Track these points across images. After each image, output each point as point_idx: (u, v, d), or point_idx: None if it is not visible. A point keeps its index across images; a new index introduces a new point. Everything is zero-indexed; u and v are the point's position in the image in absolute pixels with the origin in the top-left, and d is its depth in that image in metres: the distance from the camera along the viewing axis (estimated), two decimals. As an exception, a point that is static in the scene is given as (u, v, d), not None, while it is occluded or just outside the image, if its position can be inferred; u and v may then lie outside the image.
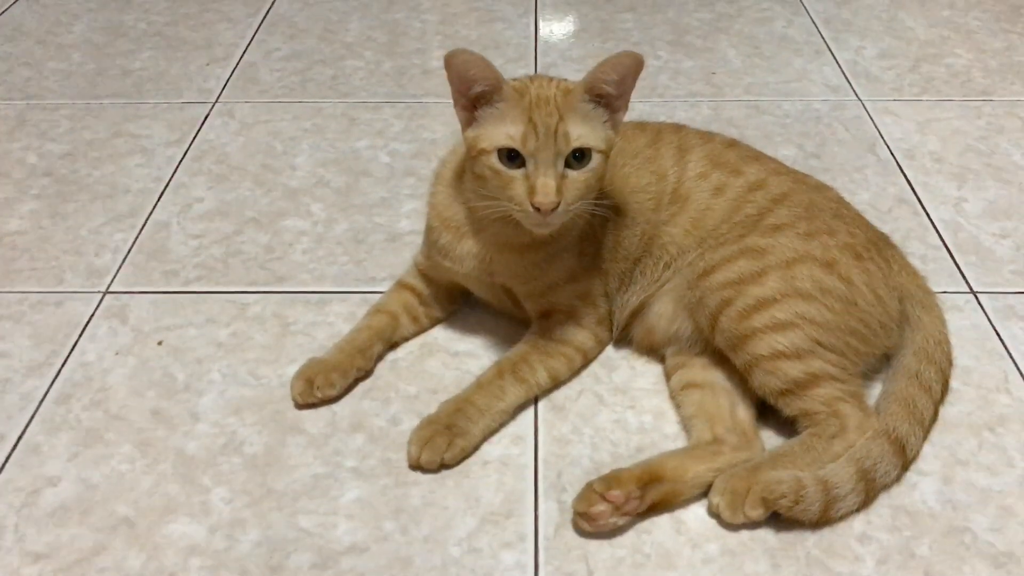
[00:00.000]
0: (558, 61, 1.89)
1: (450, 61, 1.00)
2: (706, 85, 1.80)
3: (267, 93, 1.78)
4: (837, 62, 1.88)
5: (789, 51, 1.92)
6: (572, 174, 1.01)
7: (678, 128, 1.22)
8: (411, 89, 1.81)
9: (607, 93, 1.02)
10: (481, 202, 1.04)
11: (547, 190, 0.98)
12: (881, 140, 1.62)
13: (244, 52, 1.92)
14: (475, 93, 1.02)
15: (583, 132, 1.00)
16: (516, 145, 0.99)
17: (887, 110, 1.71)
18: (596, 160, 1.02)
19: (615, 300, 1.16)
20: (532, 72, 1.85)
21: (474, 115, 1.03)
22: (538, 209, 0.99)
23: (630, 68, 1.01)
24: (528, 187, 0.99)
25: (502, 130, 1.00)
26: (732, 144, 1.20)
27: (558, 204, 0.99)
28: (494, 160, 1.00)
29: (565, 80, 1.05)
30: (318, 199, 1.50)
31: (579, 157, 1.01)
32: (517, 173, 1.00)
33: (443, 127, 1.67)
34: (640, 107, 1.72)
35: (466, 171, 1.08)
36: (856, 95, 1.76)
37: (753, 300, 1.04)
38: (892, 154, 1.59)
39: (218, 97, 1.77)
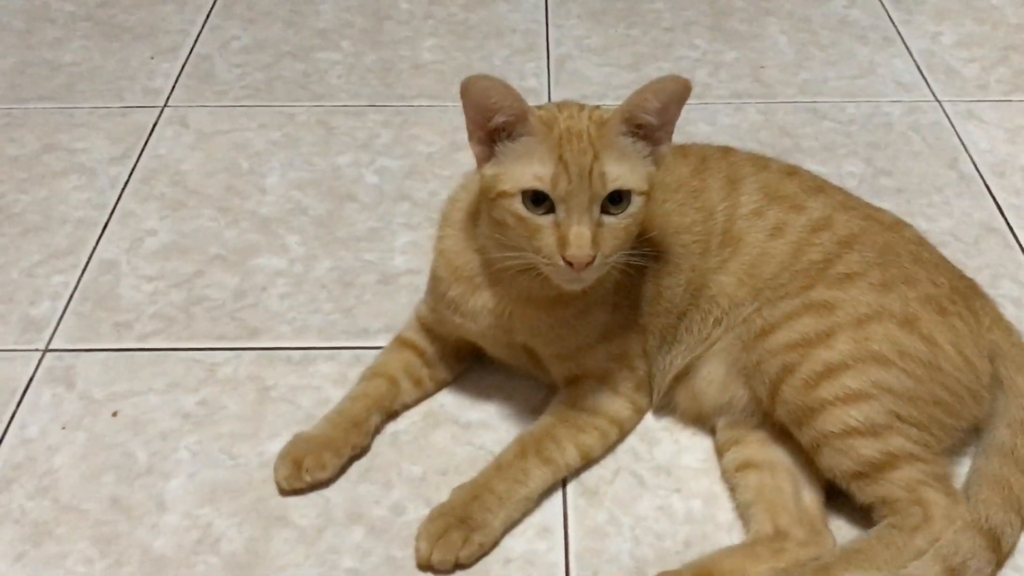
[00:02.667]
0: (574, 52, 1.95)
1: (467, 89, 1.05)
2: (753, 83, 1.86)
3: (226, 95, 1.83)
4: (909, 52, 1.94)
5: (852, 38, 1.98)
6: (610, 221, 1.06)
7: (726, 152, 1.27)
8: (399, 89, 1.86)
9: (648, 123, 1.08)
10: (500, 252, 1.10)
11: (582, 242, 1.03)
12: (964, 152, 1.69)
13: (195, 42, 1.97)
14: (494, 125, 1.07)
15: (622, 172, 1.05)
16: (545, 188, 1.04)
17: (970, 114, 1.77)
18: (637, 203, 1.07)
19: (656, 361, 1.22)
20: (544, 70, 1.91)
21: (492, 150, 1.08)
22: (571, 264, 1.04)
23: (675, 95, 1.07)
24: (559, 237, 1.04)
25: (527, 170, 1.05)
26: (791, 172, 1.26)
27: (594, 257, 1.04)
28: (517, 205, 1.05)
29: (599, 108, 1.10)
30: (295, 230, 1.54)
31: (617, 201, 1.06)
32: (545, 221, 1.05)
33: (440, 137, 1.72)
34: (676, 111, 1.78)
35: (482, 214, 1.13)
36: (933, 95, 1.82)
37: (821, 366, 1.09)
38: (977, 170, 1.65)
39: (167, 100, 1.81)
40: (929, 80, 1.86)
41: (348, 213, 1.57)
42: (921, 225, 1.51)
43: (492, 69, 1.90)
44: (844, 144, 1.71)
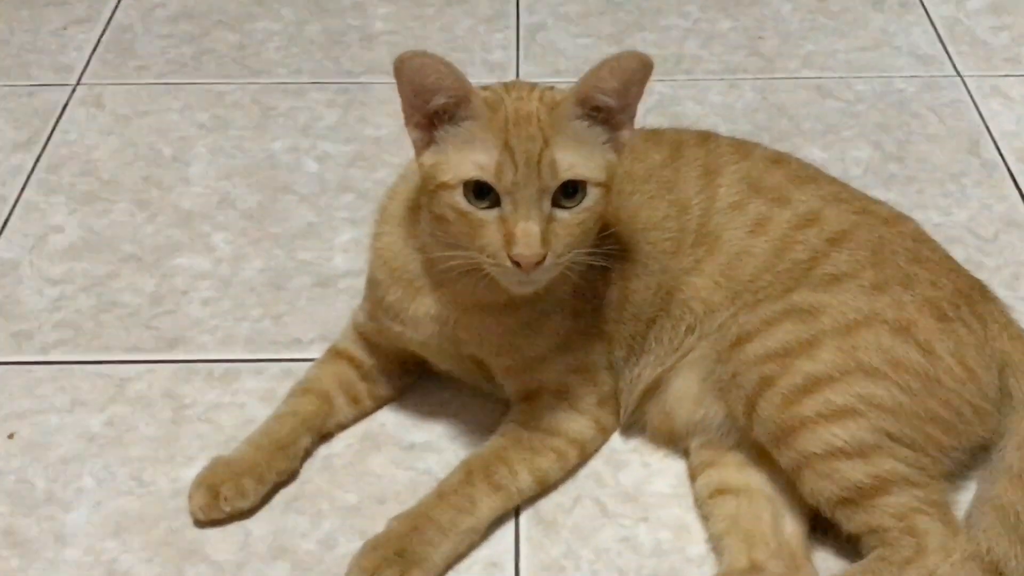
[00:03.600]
0: (548, 21, 1.98)
1: (401, 67, 1.08)
2: (750, 55, 1.90)
3: (148, 71, 1.87)
4: (930, 19, 1.97)
5: (865, 4, 2.01)
6: (562, 216, 1.09)
7: (705, 138, 1.30)
8: (347, 63, 1.89)
9: (606, 106, 1.11)
10: (442, 251, 1.13)
11: (529, 239, 1.06)
12: (987, 134, 1.72)
13: (114, 10, 2.01)
14: (433, 107, 1.10)
15: (576, 159, 1.09)
16: (488, 178, 1.07)
17: (997, 90, 1.81)
18: (593, 196, 1.11)
19: (622, 375, 1.25)
20: (513, 42, 1.94)
21: (432, 136, 1.11)
22: (518, 264, 1.07)
23: (635, 74, 1.10)
24: (505, 234, 1.07)
25: (469, 157, 1.08)
26: (778, 160, 1.29)
27: (544, 256, 1.07)
28: (458, 197, 1.09)
29: (551, 89, 1.14)
30: (222, 226, 1.58)
31: (571, 193, 1.09)
32: (490, 215, 1.08)
33: (392, 120, 1.75)
34: (658, 89, 1.81)
35: (422, 208, 1.17)
36: (954, 68, 1.86)
37: (802, 378, 1.13)
38: (1001, 155, 1.69)
39: (80, 77, 1.85)
40: (951, 51, 1.89)
41: (283, 206, 1.61)
42: (933, 219, 1.56)
43: (453, 40, 1.93)
44: (850, 126, 1.74)
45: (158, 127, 1.75)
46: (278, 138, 1.73)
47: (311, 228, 1.57)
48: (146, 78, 1.85)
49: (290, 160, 1.69)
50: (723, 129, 1.68)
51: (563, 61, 1.90)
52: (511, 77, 1.88)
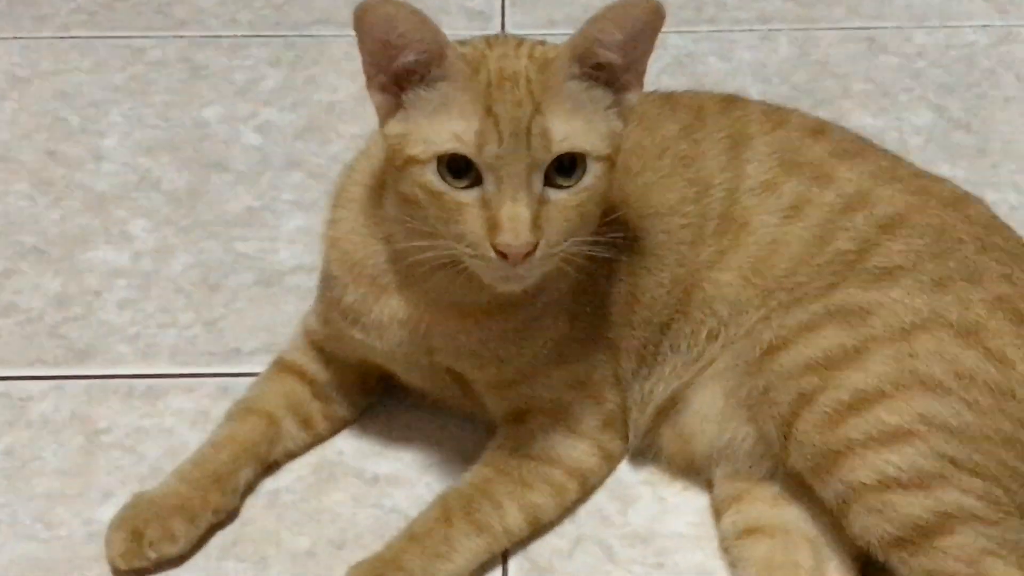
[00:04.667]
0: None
1: (363, 17, 1.09)
2: (786, 2, 1.92)
3: (50, 22, 1.88)
4: (1007, -45, 1.99)
5: (926, -66, 2.03)
6: (557, 196, 1.10)
7: (730, 104, 1.32)
8: (293, 11, 1.91)
9: (609, 62, 1.12)
10: (411, 240, 1.14)
11: (517, 224, 1.07)
12: (1074, 97, 1.75)
13: (8, -53, 2.01)
14: (401, 66, 1.11)
15: (573, 128, 1.10)
16: (467, 151, 1.08)
17: (1087, 44, 1.84)
18: (595, 172, 1.12)
19: (631, 390, 1.27)
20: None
21: (399, 100, 1.12)
22: (504, 255, 1.08)
23: (644, 23, 1.11)
24: (487, 219, 1.08)
25: (444, 127, 1.09)
26: (819, 130, 1.31)
27: (535, 246, 1.08)
28: (431, 175, 1.10)
29: (542, 43, 1.15)
30: (142, 212, 1.59)
31: (567, 169, 1.10)
32: (469, 196, 1.09)
33: (349, 81, 1.77)
34: (674, 42, 1.83)
35: (387, 188, 1.18)
36: (1034, 17, 1.89)
37: (849, 394, 1.14)
38: (1091, 122, 1.71)
39: (-34, 31, 1.86)
40: (1031, -4, 1.92)
41: (217, 187, 1.62)
42: (1009, 199, 1.58)
43: (425, -16, 1.95)
44: (908, 87, 1.77)
45: (63, 90, 1.76)
46: (210, 104, 1.74)
47: (251, 214, 1.59)
48: (46, 30, 1.86)
49: (225, 131, 1.70)
50: (754, 91, 1.73)
51: (558, 9, 1.92)
52: (494, 26, 1.90)
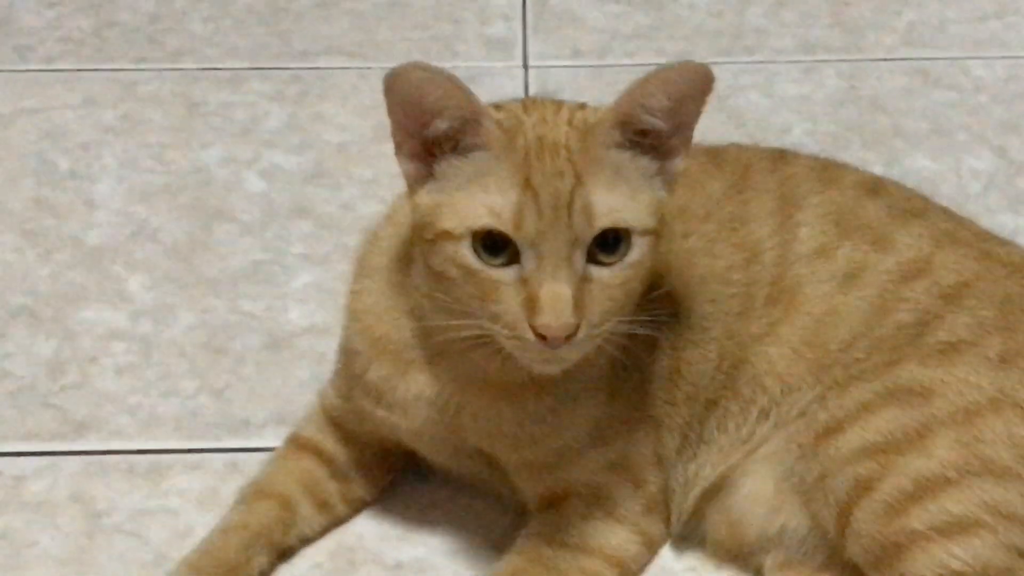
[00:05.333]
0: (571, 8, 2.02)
1: (394, 83, 1.11)
2: (832, 29, 1.94)
3: (34, 53, 1.91)
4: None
5: (985, -45, 2.05)
6: (600, 274, 1.12)
7: (778, 160, 1.35)
8: (297, 41, 1.93)
9: (654, 129, 1.15)
10: (442, 318, 1.16)
11: (558, 305, 1.09)
12: None
13: (-15, -31, 2.04)
14: (434, 133, 1.13)
15: (617, 202, 1.12)
16: (504, 227, 1.10)
17: None
18: (640, 247, 1.14)
19: (675, 472, 1.29)
20: (518, 10, 1.97)
21: (430, 169, 1.15)
22: (544, 337, 1.10)
23: (691, 87, 1.14)
24: (526, 299, 1.10)
25: (479, 199, 1.11)
26: (875, 189, 1.33)
27: (577, 328, 1.10)
28: (465, 251, 1.12)
29: (582, 108, 1.17)
30: (138, 267, 1.61)
31: (611, 245, 1.12)
32: (506, 275, 1.11)
33: (359, 119, 1.80)
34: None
35: (416, 259, 1.21)
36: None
37: (911, 481, 1.16)
38: None
39: (-59, 63, 1.88)
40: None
41: (220, 239, 1.65)
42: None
43: (439, 7, 1.97)
44: (966, 125, 1.78)
45: (49, 130, 1.79)
46: (209, 145, 1.77)
47: (257, 268, 1.61)
48: (31, 63, 1.89)
49: (226, 175, 1.73)
50: (798, 130, 1.76)
51: (585, 36, 1.93)
52: (515, 57, 1.92)
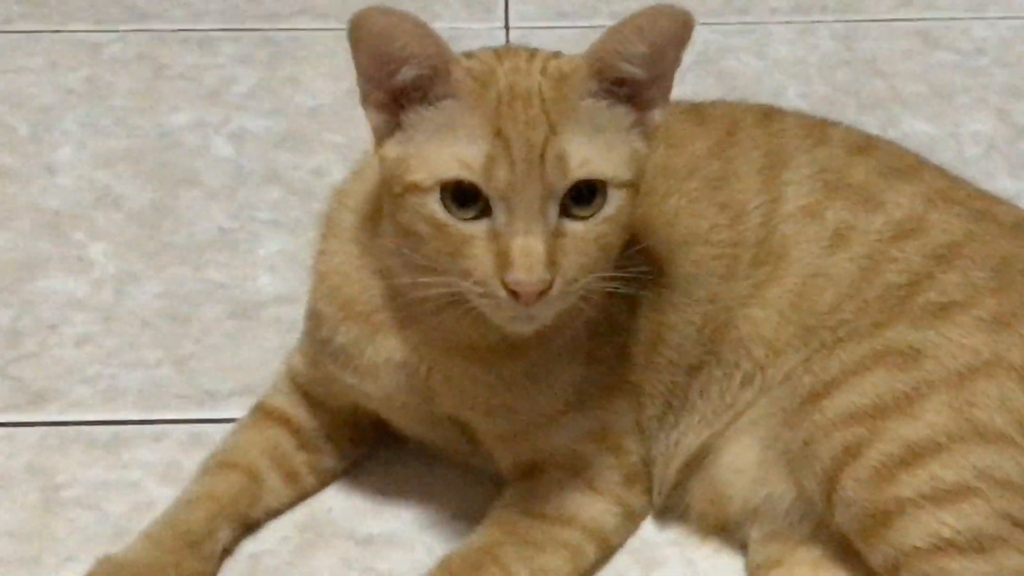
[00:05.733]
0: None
1: (359, 28, 1.12)
2: (829, -12, 1.96)
3: (-10, 12, 1.91)
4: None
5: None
6: (575, 228, 1.13)
7: (765, 117, 1.36)
8: (269, 3, 1.95)
9: (632, 78, 1.16)
10: (412, 276, 1.17)
11: (531, 259, 1.10)
12: None
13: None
14: (401, 82, 1.14)
15: (592, 152, 1.13)
16: (475, 178, 1.11)
17: None
18: (616, 200, 1.15)
19: (656, 441, 1.30)
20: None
21: (398, 119, 1.16)
22: (516, 293, 1.11)
23: (671, 34, 1.15)
24: (498, 253, 1.11)
25: (449, 150, 1.12)
26: (865, 147, 1.34)
27: (551, 283, 1.11)
28: (434, 204, 1.13)
29: (556, 56, 1.18)
30: (101, 234, 1.63)
31: (586, 197, 1.13)
32: (477, 228, 1.12)
33: (334, 82, 1.81)
34: (702, 36, 1.85)
35: (384, 217, 1.22)
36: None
37: (900, 446, 1.17)
38: None
39: None
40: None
41: (186, 205, 1.66)
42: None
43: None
44: (966, 88, 1.80)
45: (8, 94, 1.80)
46: (176, 109, 1.78)
47: (225, 236, 1.63)
48: (-11, 23, 1.89)
49: (194, 140, 1.74)
50: (792, 92, 1.77)
51: (568, -1, 1.95)
52: (496, 17, 1.93)
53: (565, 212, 1.13)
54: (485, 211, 1.12)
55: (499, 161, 1.10)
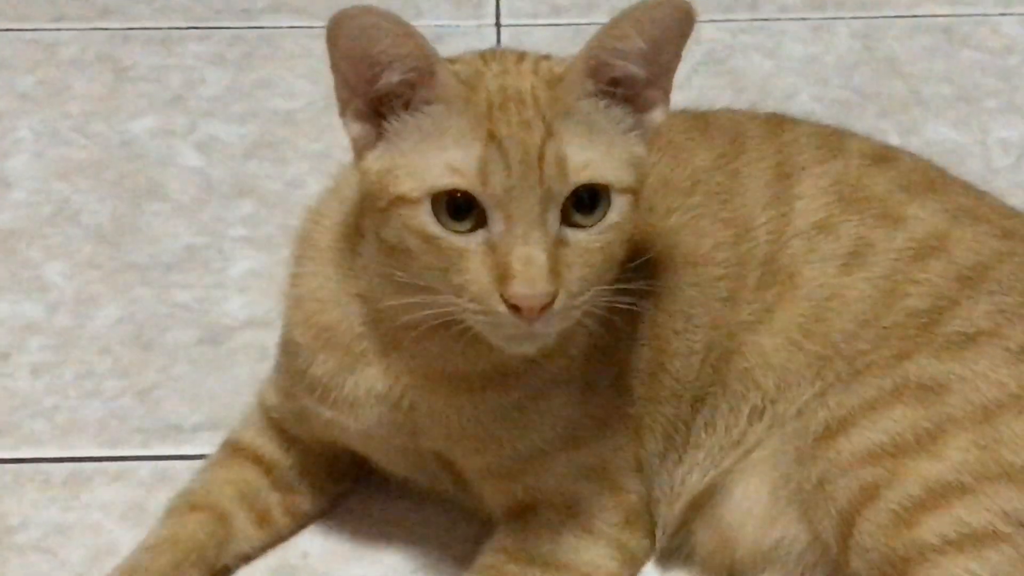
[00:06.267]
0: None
1: (337, 30, 1.12)
2: (846, -16, 1.96)
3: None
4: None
5: None
6: (577, 237, 1.13)
7: (775, 127, 1.35)
8: (240, 0, 1.95)
9: (629, 77, 1.16)
10: (397, 297, 1.16)
11: (532, 271, 1.09)
12: None
13: None
14: (383, 88, 1.14)
15: (592, 155, 1.13)
16: (469, 185, 1.10)
17: None
18: (620, 207, 1.14)
19: (658, 478, 1.30)
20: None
21: (380, 129, 1.16)
22: (517, 308, 1.10)
23: (671, 28, 1.14)
24: (496, 266, 1.10)
25: (438, 157, 1.12)
26: (883, 158, 1.34)
27: (554, 296, 1.10)
28: (425, 217, 1.11)
29: (548, 58, 1.19)
30: (57, 252, 1.62)
31: (587, 204, 1.13)
32: (471, 241, 1.11)
33: (311, 84, 1.81)
34: (708, 35, 1.85)
35: (366, 235, 1.21)
36: None
37: (921, 487, 1.17)
38: None
39: None
40: None
41: (150, 220, 1.66)
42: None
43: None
44: (994, 90, 1.80)
45: (-42, 97, 1.79)
46: (140, 115, 1.78)
47: (192, 254, 1.62)
48: (-64, 22, 1.89)
49: (159, 149, 1.74)
50: (806, 96, 1.77)
51: (565, -6, 1.95)
52: (487, 15, 1.93)
53: (566, 220, 1.12)
54: (480, 221, 1.11)
55: (494, 165, 1.10)
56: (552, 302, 1.10)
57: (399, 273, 1.15)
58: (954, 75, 1.82)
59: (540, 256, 1.09)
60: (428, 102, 1.13)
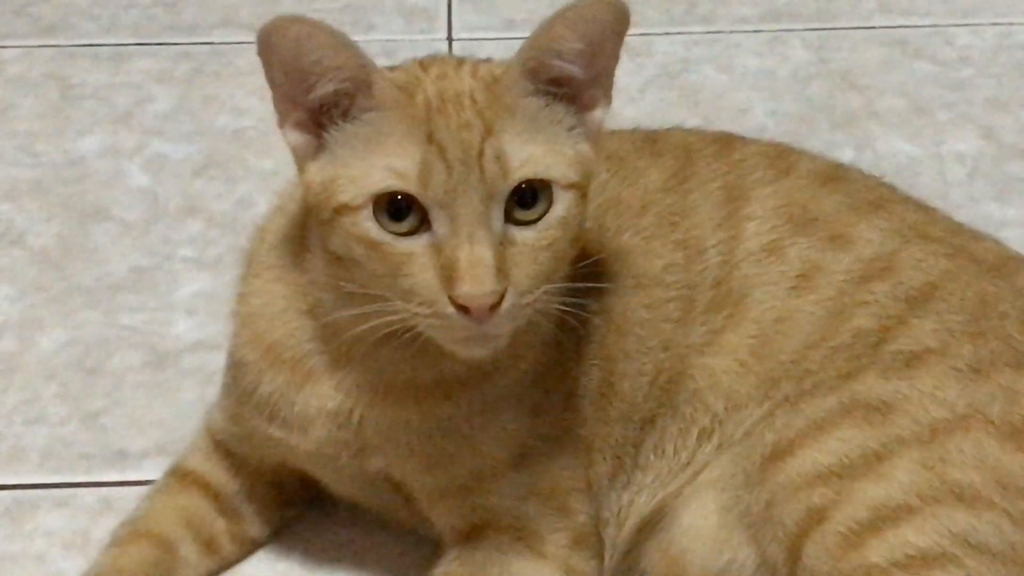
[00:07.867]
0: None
1: (268, 40, 1.12)
2: (800, -8, 1.98)
3: None
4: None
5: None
6: (523, 235, 1.14)
7: (725, 146, 1.37)
8: (188, 14, 1.94)
9: (568, 77, 1.17)
10: (346, 308, 1.17)
11: (479, 269, 1.10)
12: None
13: None
14: (319, 98, 1.15)
15: (533, 150, 1.14)
16: (409, 187, 1.11)
17: None
18: (564, 203, 1.15)
19: (608, 500, 1.31)
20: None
21: (320, 139, 1.17)
22: (466, 309, 1.11)
23: (606, 26, 1.15)
24: (442, 268, 1.11)
25: (378, 162, 1.13)
26: (833, 178, 1.36)
27: (502, 295, 1.12)
28: (367, 223, 1.13)
29: (487, 61, 1.20)
30: (2, 276, 1.62)
31: (530, 201, 1.14)
32: (417, 244, 1.12)
33: (261, 102, 1.77)
34: (662, 48, 1.88)
35: (312, 248, 1.23)
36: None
37: (868, 509, 1.18)
38: None
39: None
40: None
41: (96, 242, 1.66)
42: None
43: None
44: (949, 102, 1.81)
45: (-101, 116, 1.78)
46: (86, 133, 1.78)
47: (139, 276, 1.63)
48: None
49: (105, 168, 1.74)
50: (760, 109, 1.78)
51: (518, 4, 1.97)
52: (439, 28, 1.94)
53: (510, 218, 1.14)
54: (423, 224, 1.13)
55: (434, 167, 1.11)
56: (500, 301, 1.11)
57: (347, 284, 1.16)
58: (908, 87, 1.84)
59: (486, 254, 1.11)
60: (366, 110, 1.15)
